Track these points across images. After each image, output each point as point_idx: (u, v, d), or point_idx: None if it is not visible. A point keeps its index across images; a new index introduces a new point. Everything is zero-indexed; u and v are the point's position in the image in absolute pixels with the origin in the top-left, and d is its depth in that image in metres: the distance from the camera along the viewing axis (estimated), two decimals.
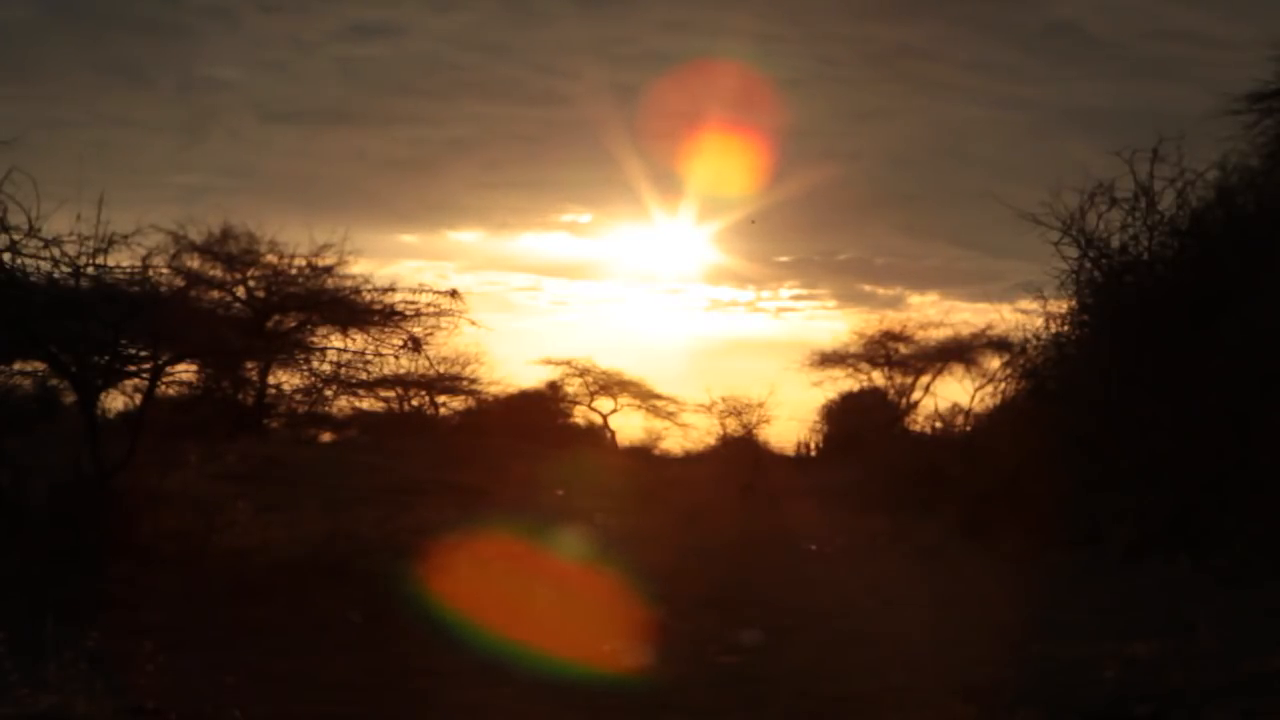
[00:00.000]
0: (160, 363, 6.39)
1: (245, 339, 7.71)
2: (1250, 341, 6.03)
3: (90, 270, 5.92)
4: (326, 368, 7.63)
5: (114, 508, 5.83)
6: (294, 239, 15.54)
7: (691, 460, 17.39)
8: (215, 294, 12.35)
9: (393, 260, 30.63)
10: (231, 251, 15.19)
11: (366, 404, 16.91)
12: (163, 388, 6.90)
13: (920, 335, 19.33)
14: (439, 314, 7.37)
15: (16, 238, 5.77)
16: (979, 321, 19.14)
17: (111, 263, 5.98)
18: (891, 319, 20.02)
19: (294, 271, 14.70)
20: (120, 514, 5.83)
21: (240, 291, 14.64)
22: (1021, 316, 8.16)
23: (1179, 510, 6.00)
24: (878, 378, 19.51)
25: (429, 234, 29.09)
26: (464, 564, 5.51)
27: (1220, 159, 7.16)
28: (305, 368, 7.79)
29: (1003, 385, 9.08)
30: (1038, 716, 3.31)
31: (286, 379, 12.46)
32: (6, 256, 5.80)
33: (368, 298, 7.68)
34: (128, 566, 5.38)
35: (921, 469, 9.48)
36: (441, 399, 19.37)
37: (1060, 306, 7.68)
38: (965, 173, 25.75)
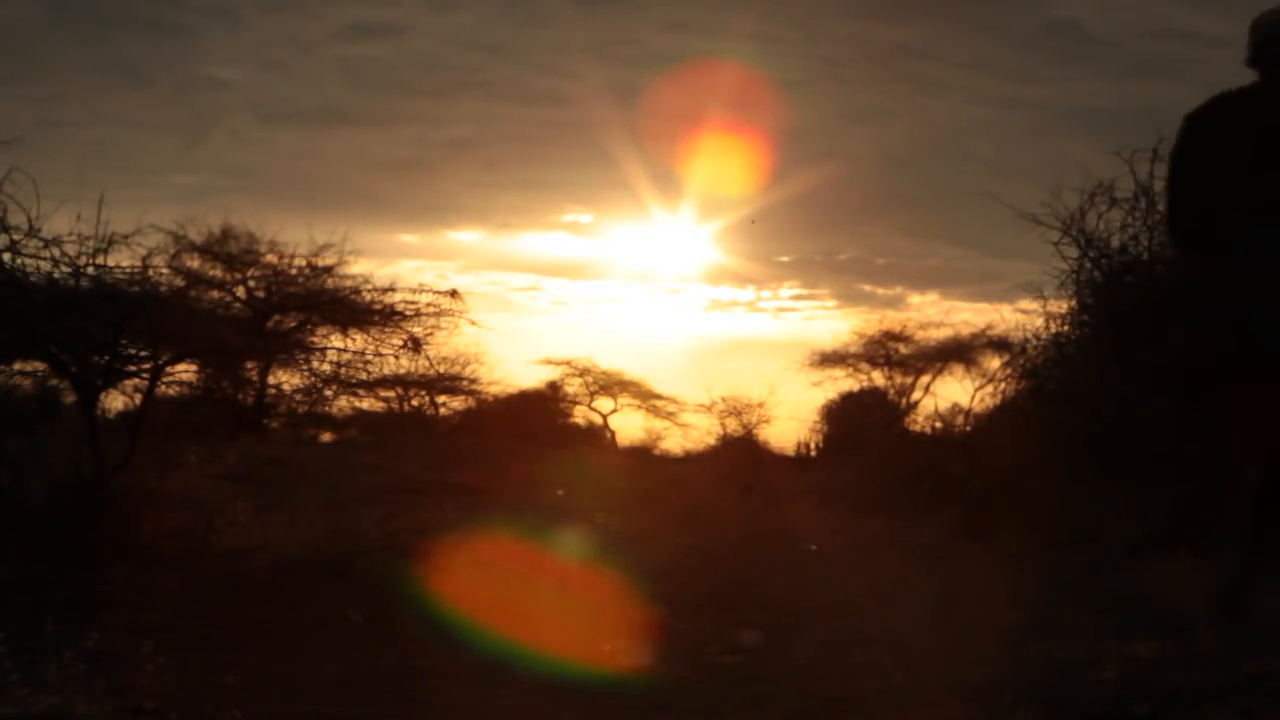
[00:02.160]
0: (160, 363, 6.39)
1: (245, 339, 7.69)
2: None
3: (90, 270, 5.92)
4: (326, 368, 7.62)
5: (114, 508, 5.83)
6: (294, 239, 15.65)
7: (691, 460, 17.41)
8: (215, 294, 12.35)
9: (393, 260, 30.73)
10: (231, 251, 15.24)
11: (366, 404, 16.96)
12: (163, 388, 6.90)
13: (920, 335, 19.38)
14: (439, 314, 7.36)
15: (16, 238, 5.77)
16: (979, 321, 19.18)
17: (111, 263, 5.98)
18: (891, 319, 20.08)
19: (294, 271, 14.74)
20: (120, 514, 5.82)
21: (240, 291, 14.67)
22: (1021, 316, 8.18)
23: (1179, 510, 6.00)
24: (878, 378, 19.55)
25: (429, 234, 29.18)
26: (464, 564, 5.50)
27: None
28: (305, 368, 7.78)
29: (1003, 385, 9.09)
30: (1038, 716, 3.31)
31: (286, 379, 12.47)
32: (6, 256, 5.80)
33: (368, 298, 7.67)
34: (128, 566, 5.37)
35: (921, 469, 9.47)
36: (441, 399, 19.40)
37: (1060, 306, 7.69)
38: (965, 173, 25.79)
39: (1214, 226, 3.67)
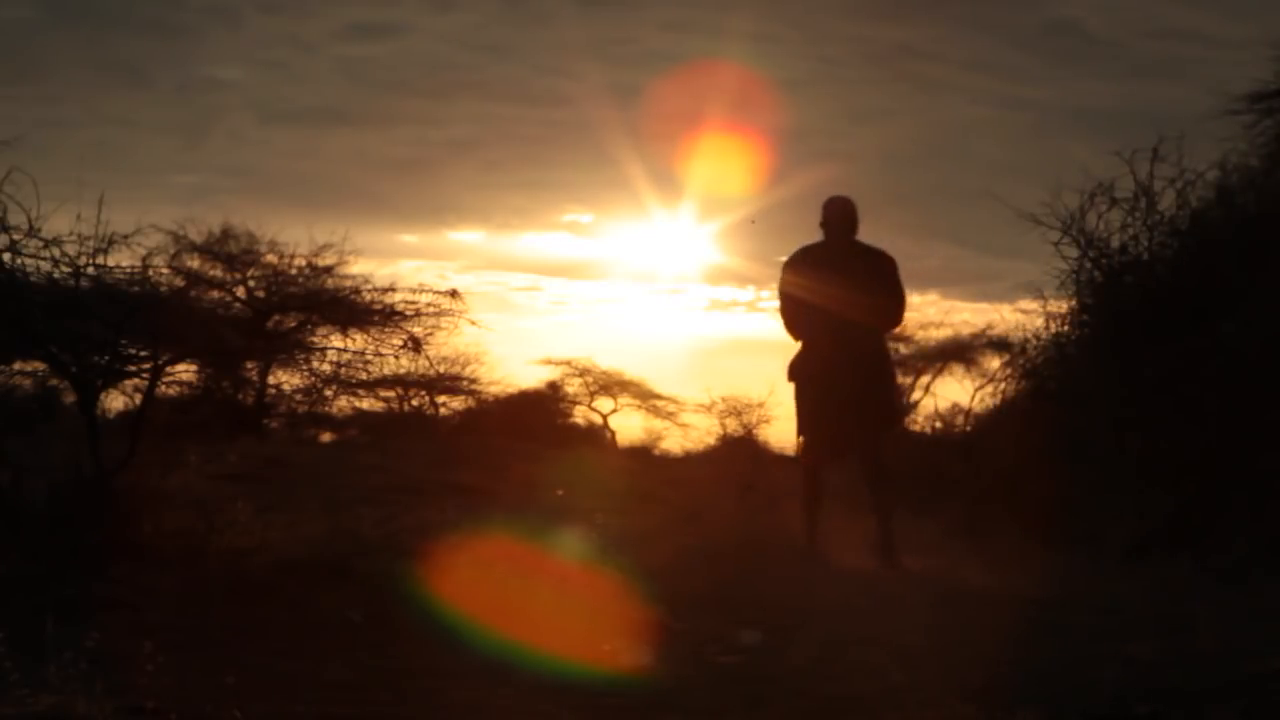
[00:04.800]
0: (160, 363, 6.38)
1: (245, 339, 7.69)
2: (1250, 341, 6.03)
3: (90, 270, 5.92)
4: (326, 368, 7.60)
5: (114, 508, 5.82)
6: (294, 239, 15.65)
7: (691, 460, 17.39)
8: (215, 294, 12.37)
9: (393, 260, 30.66)
10: (231, 251, 15.27)
11: (366, 404, 16.96)
12: (163, 388, 6.90)
13: (920, 335, 19.34)
14: (439, 314, 7.34)
15: (16, 238, 5.76)
16: (979, 321, 19.17)
17: (111, 263, 5.98)
18: None
19: (294, 271, 14.76)
20: (120, 514, 5.82)
21: (240, 291, 14.70)
22: (1021, 316, 8.18)
23: (1179, 510, 6.00)
24: None
25: (429, 234, 29.16)
26: (464, 564, 5.50)
27: (1220, 159, 7.17)
28: (305, 368, 7.77)
29: (1003, 385, 9.09)
30: (1038, 716, 3.31)
31: (286, 379, 12.46)
32: (6, 256, 5.80)
33: (368, 298, 7.64)
34: (128, 566, 5.37)
35: (921, 469, 9.47)
36: (441, 399, 19.41)
37: (1060, 306, 7.70)
38: (966, 173, 25.78)
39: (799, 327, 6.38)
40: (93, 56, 26.08)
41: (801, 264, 6.32)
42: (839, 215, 6.24)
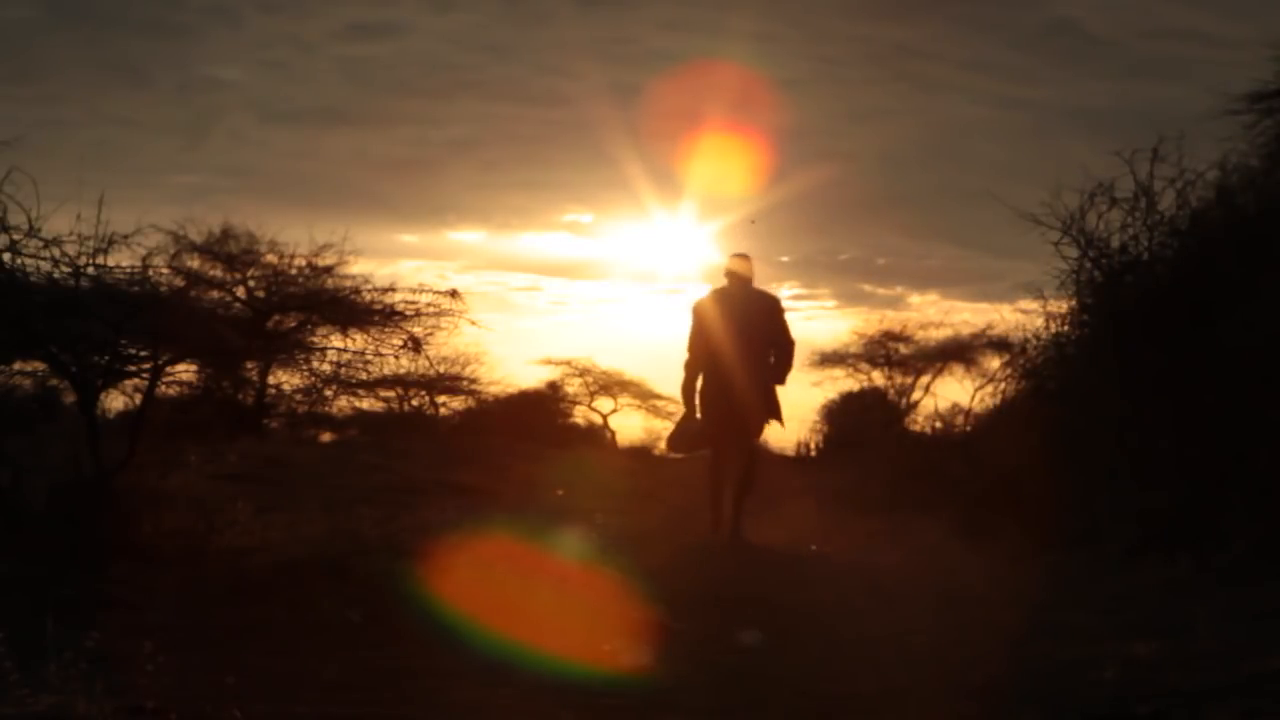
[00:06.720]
0: (160, 363, 6.39)
1: (245, 339, 7.69)
2: (1250, 341, 6.03)
3: (90, 270, 5.92)
4: (326, 368, 7.61)
5: (114, 508, 5.83)
6: (294, 239, 15.59)
7: (691, 460, 17.36)
8: (215, 294, 12.36)
9: (393, 260, 30.61)
10: (231, 251, 15.24)
11: (366, 404, 16.93)
12: (163, 388, 6.90)
13: (920, 335, 19.36)
14: (439, 314, 7.35)
15: (16, 238, 5.77)
16: (979, 321, 19.16)
17: (111, 263, 5.98)
18: (891, 319, 20.04)
19: (294, 271, 14.73)
20: (120, 514, 5.82)
21: (240, 291, 14.66)
22: (1021, 316, 8.15)
23: (1179, 510, 5.99)
24: (878, 378, 19.52)
25: (429, 234, 29.13)
26: (464, 564, 5.50)
27: (1220, 159, 7.15)
28: (305, 368, 7.77)
29: (1003, 385, 9.08)
30: (1038, 716, 3.31)
31: (286, 379, 12.43)
32: (6, 256, 5.80)
33: (368, 298, 7.64)
34: (128, 566, 5.38)
35: (921, 469, 9.47)
36: (441, 399, 19.39)
37: (1060, 306, 7.68)
38: (966, 173, 25.74)
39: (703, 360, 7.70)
40: (93, 56, 26.05)
41: (709, 307, 7.84)
42: (740, 268, 7.91)
